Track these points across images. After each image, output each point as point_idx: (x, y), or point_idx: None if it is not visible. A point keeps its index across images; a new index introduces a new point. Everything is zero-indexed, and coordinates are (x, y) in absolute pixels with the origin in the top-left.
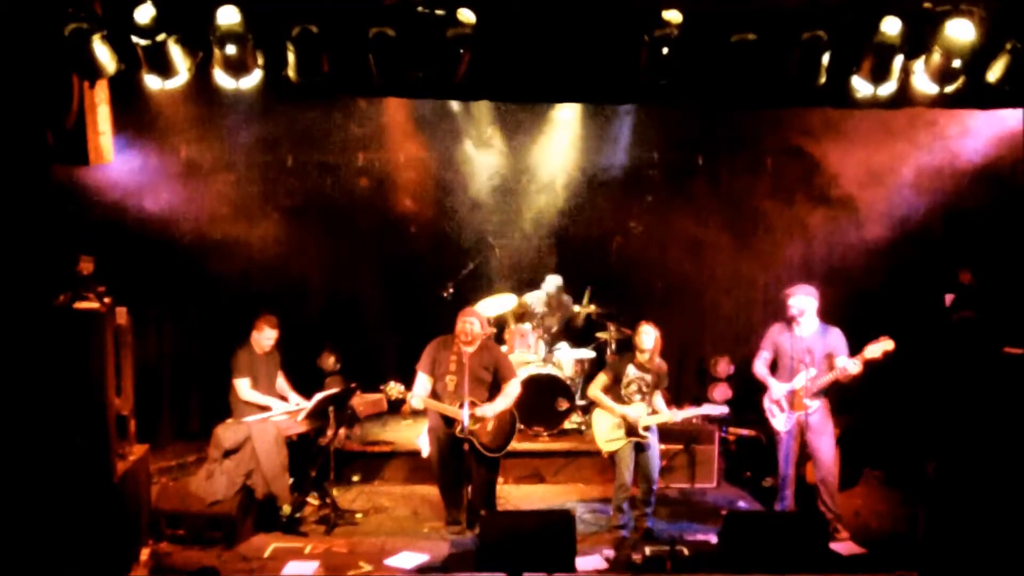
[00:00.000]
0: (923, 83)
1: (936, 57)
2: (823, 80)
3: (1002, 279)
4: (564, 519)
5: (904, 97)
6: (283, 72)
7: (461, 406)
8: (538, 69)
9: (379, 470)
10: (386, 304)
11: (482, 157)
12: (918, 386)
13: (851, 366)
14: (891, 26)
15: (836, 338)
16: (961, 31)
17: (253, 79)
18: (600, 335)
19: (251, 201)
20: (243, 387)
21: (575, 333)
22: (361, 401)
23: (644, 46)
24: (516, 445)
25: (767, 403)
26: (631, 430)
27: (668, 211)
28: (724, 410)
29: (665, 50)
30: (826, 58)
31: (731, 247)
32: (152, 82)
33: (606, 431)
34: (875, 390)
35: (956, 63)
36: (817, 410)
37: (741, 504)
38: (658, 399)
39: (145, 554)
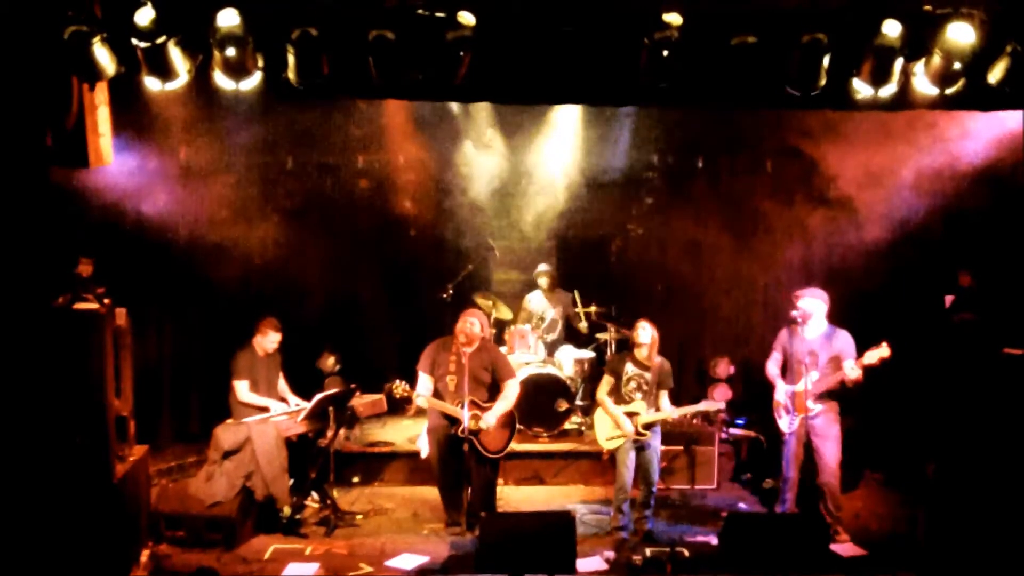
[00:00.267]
0: (923, 85)
1: (936, 59)
2: (823, 82)
3: (1002, 281)
4: (564, 521)
5: (904, 99)
6: (283, 74)
7: (462, 406)
8: (538, 71)
9: (379, 471)
10: (386, 305)
11: (482, 159)
12: (918, 388)
13: (850, 371)
14: (891, 28)
15: (843, 341)
16: (961, 34)
17: (253, 81)
18: (600, 336)
19: (251, 202)
20: (242, 389)
21: (576, 334)
22: (361, 402)
23: (644, 48)
24: (516, 446)
25: (775, 404)
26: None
27: (668, 213)
28: (720, 405)
29: (665, 52)
30: (826, 60)
31: (731, 249)
32: (152, 84)
33: (607, 429)
34: (875, 392)
35: (956, 65)
36: (820, 413)
37: (741, 506)
38: (664, 400)
39: (144, 556)
